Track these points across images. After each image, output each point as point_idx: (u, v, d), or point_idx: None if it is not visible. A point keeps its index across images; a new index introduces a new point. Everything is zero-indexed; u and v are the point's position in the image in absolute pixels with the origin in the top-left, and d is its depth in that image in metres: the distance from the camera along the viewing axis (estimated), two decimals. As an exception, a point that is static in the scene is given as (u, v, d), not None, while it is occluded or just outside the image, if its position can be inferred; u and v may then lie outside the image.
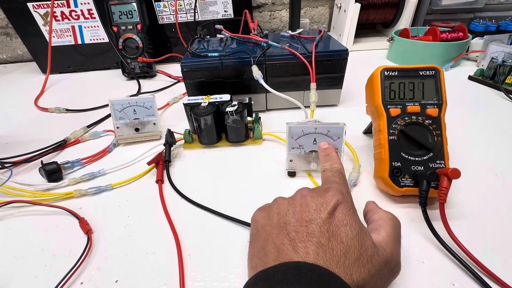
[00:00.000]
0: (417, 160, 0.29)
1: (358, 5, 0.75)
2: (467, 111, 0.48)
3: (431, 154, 0.29)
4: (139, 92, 0.65)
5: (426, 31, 0.72)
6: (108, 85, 0.72)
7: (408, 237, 0.27)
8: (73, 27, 0.75)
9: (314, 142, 0.33)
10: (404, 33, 0.71)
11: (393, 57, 0.73)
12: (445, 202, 0.26)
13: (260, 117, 0.46)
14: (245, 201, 0.33)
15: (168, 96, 0.61)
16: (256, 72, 0.43)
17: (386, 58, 0.76)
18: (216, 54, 0.46)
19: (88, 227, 0.30)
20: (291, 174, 0.36)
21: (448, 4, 0.74)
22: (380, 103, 0.31)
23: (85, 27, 0.75)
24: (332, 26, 0.95)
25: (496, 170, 0.35)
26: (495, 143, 0.40)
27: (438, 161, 0.29)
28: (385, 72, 0.32)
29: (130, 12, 0.68)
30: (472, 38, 0.67)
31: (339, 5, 0.84)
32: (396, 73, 0.32)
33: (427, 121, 0.30)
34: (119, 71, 0.74)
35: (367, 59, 0.77)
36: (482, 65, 0.59)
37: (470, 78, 0.60)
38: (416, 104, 0.31)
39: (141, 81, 0.71)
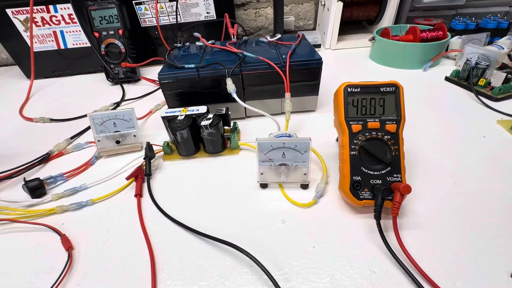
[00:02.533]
0: (376, 174, 0.31)
1: (341, 4, 0.75)
2: (439, 114, 0.50)
3: (389, 168, 0.31)
4: (122, 99, 0.66)
5: (407, 30, 0.72)
6: (93, 91, 0.72)
7: (364, 247, 0.30)
8: (54, 32, 0.74)
9: (283, 155, 0.35)
10: (385, 33, 0.72)
11: (375, 57, 0.74)
12: (397, 216, 0.28)
13: (236, 128, 0.47)
14: (219, 214, 0.35)
15: (152, 102, 0.62)
16: (230, 86, 0.44)
17: (369, 57, 0.76)
18: (192, 65, 0.46)
19: (69, 244, 0.32)
20: (263, 186, 0.38)
21: (430, 1, 0.75)
22: (343, 120, 0.33)
23: (67, 32, 0.75)
24: (318, 23, 0.94)
25: (456, 177, 0.37)
26: (458, 149, 0.42)
27: (395, 175, 0.31)
28: (348, 89, 0.33)
29: (111, 17, 0.67)
30: (452, 37, 0.68)
31: (323, 2, 0.84)
32: (359, 90, 0.33)
33: (386, 137, 0.32)
34: (104, 74, 0.74)
35: (351, 58, 0.77)
36: (459, 66, 0.60)
37: (447, 79, 0.61)
38: (376, 120, 0.32)
39: (125, 86, 0.72)
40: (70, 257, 0.30)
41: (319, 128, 0.49)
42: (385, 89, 0.33)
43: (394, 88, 0.33)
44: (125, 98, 0.66)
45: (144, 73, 0.78)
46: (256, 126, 0.51)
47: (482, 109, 0.50)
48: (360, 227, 0.31)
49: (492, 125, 0.46)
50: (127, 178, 0.39)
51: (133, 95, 0.67)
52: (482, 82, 0.54)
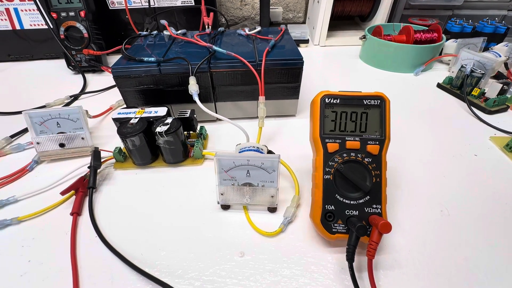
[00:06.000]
0: (352, 203, 0.26)
1: (332, -3, 0.69)
2: (428, 125, 0.46)
3: (368, 197, 0.26)
4: (82, 91, 0.58)
5: (401, 29, 0.67)
6: (52, 79, 0.64)
7: (334, 292, 0.25)
8: (7, 9, 0.65)
9: (248, 174, 0.30)
10: (377, 31, 0.67)
11: (365, 57, 0.68)
12: (373, 258, 0.24)
13: (202, 133, 0.41)
14: (169, 241, 0.29)
15: (115, 96, 0.55)
16: (192, 86, 0.37)
17: (359, 56, 0.71)
18: (153, 59, 0.40)
19: (-24, 278, 0.26)
20: (225, 207, 0.32)
21: (427, 0, 0.69)
22: (317, 136, 0.28)
23: (21, 10, 0.66)
24: (308, 17, 0.88)
25: (443, 204, 0.33)
26: (447, 169, 0.37)
27: (374, 206, 0.26)
28: (326, 99, 0.28)
29: (71, -4, 0.59)
30: (447, 40, 0.63)
31: (313, -6, 0.78)
32: (338, 101, 0.28)
33: (366, 159, 0.27)
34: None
35: (340, 56, 0.72)
36: (453, 72, 0.56)
37: (439, 86, 0.57)
38: (356, 139, 0.27)
39: (88, 76, 0.64)
40: (-27, 296, 0.25)
41: (298, 136, 0.44)
42: (369, 101, 0.28)
43: (379, 101, 0.27)
44: (86, 91, 0.59)
45: (113, 62, 0.70)
46: (228, 131, 0.45)
47: (475, 122, 0.46)
48: (331, 265, 0.27)
49: (485, 142, 0.42)
50: (63, 193, 0.32)
51: (96, 87, 0.60)
52: (476, 92, 0.50)
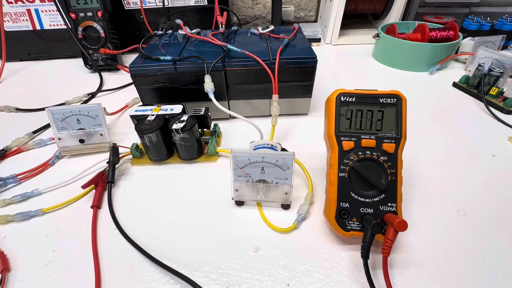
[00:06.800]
0: (367, 201, 0.26)
1: (345, -5, 0.68)
2: (443, 125, 0.45)
3: (383, 195, 0.26)
4: (99, 89, 0.60)
5: (415, 27, 0.66)
6: (70, 78, 0.66)
7: (348, 288, 0.25)
8: (28, 10, 0.68)
9: (262, 171, 0.30)
10: (391, 30, 0.66)
11: (379, 56, 0.68)
12: (388, 256, 0.24)
13: (216, 131, 0.42)
14: (185, 235, 0.30)
15: (131, 94, 0.56)
16: (208, 84, 0.38)
17: (372, 55, 0.70)
18: (169, 58, 0.41)
19: (5, 265, 0.27)
20: (239, 203, 0.33)
21: (443, -3, 0.68)
22: (333, 134, 0.28)
23: (42, 11, 0.68)
24: (319, 15, 0.87)
25: (459, 204, 0.32)
26: (464, 169, 0.37)
27: (389, 204, 0.26)
28: (342, 98, 0.28)
29: (89, -3, 0.61)
30: (463, 38, 0.62)
31: (326, -8, 0.77)
32: (354, 99, 0.28)
33: (382, 158, 0.27)
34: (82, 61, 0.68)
35: (352, 55, 0.71)
36: (469, 71, 0.55)
37: (455, 85, 0.55)
38: (372, 137, 0.27)
39: (105, 74, 0.66)
40: (2, 281, 0.26)
41: (310, 135, 0.44)
42: (385, 100, 0.27)
43: (395, 99, 0.27)
44: (103, 89, 0.61)
45: (128, 61, 0.72)
46: (241, 129, 0.46)
47: (492, 122, 0.45)
48: (345, 262, 0.27)
49: (503, 142, 0.41)
50: (84, 186, 0.34)
51: (112, 85, 0.61)
52: (494, 91, 0.49)
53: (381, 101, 0.28)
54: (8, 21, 0.68)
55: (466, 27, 0.66)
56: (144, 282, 0.26)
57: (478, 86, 0.51)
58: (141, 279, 0.26)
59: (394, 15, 0.73)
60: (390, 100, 0.27)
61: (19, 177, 0.37)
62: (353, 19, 0.86)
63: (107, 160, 0.37)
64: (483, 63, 0.51)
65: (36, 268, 0.28)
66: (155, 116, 0.37)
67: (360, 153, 0.27)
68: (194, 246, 0.29)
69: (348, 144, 0.27)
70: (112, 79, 0.65)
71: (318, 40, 0.77)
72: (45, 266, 0.28)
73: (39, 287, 0.26)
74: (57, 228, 0.31)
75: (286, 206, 0.32)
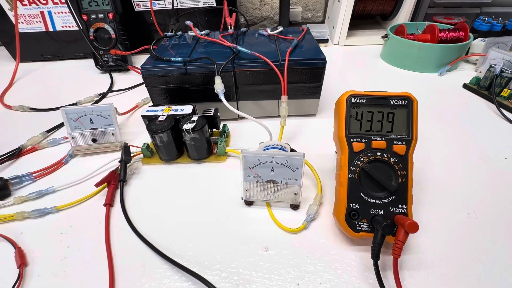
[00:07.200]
0: (377, 203, 0.27)
1: (353, -4, 0.68)
2: (454, 127, 0.45)
3: (393, 197, 0.26)
4: (109, 90, 0.61)
5: (425, 28, 0.65)
6: (81, 78, 0.67)
7: (358, 289, 0.25)
8: (42, 12, 0.69)
9: (272, 171, 0.31)
10: (400, 30, 0.65)
11: (387, 57, 0.67)
12: (399, 257, 0.24)
13: (225, 131, 0.42)
14: (195, 234, 0.31)
15: (140, 95, 0.57)
16: (218, 85, 0.39)
17: (380, 56, 0.70)
18: (180, 59, 0.41)
19: (22, 260, 0.28)
20: (248, 203, 0.33)
21: (453, -3, 0.67)
22: (343, 135, 0.28)
23: (55, 13, 0.69)
24: (327, 16, 0.87)
25: (470, 207, 0.32)
26: (475, 172, 0.36)
27: (400, 205, 0.26)
28: (352, 99, 0.28)
29: (101, -1, 0.62)
30: (474, 39, 0.61)
31: (334, -7, 0.77)
32: (364, 101, 0.28)
33: (392, 159, 0.27)
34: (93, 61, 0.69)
35: (360, 56, 0.71)
36: (480, 72, 0.54)
37: (465, 86, 0.55)
38: (382, 138, 0.27)
39: (115, 75, 0.67)
40: (20, 276, 0.27)
41: (319, 136, 0.44)
42: (396, 102, 0.28)
43: (406, 101, 0.27)
44: (113, 89, 0.62)
45: (137, 62, 0.73)
46: (249, 130, 0.46)
47: (504, 124, 0.45)
48: (355, 263, 0.27)
49: (515, 145, 0.40)
50: (97, 185, 0.34)
51: (122, 85, 0.63)
52: (505, 92, 0.48)
53: (392, 103, 0.28)
54: (22, 22, 0.70)
55: (477, 28, 0.66)
56: (157, 279, 0.27)
57: (489, 88, 0.51)
58: (153, 276, 0.27)
59: (403, 16, 0.73)
60: (401, 102, 0.27)
61: (34, 175, 0.39)
62: (361, 20, 0.86)
63: (119, 159, 0.38)
64: (495, 64, 0.50)
65: (51, 263, 0.28)
66: (166, 116, 0.38)
67: (370, 154, 0.27)
68: (204, 245, 0.29)
69: (358, 146, 0.27)
70: (122, 79, 0.66)
71: (325, 41, 0.77)
72: (60, 262, 0.28)
73: (55, 282, 0.27)
74: (71, 225, 0.32)
75: (295, 207, 0.32)
